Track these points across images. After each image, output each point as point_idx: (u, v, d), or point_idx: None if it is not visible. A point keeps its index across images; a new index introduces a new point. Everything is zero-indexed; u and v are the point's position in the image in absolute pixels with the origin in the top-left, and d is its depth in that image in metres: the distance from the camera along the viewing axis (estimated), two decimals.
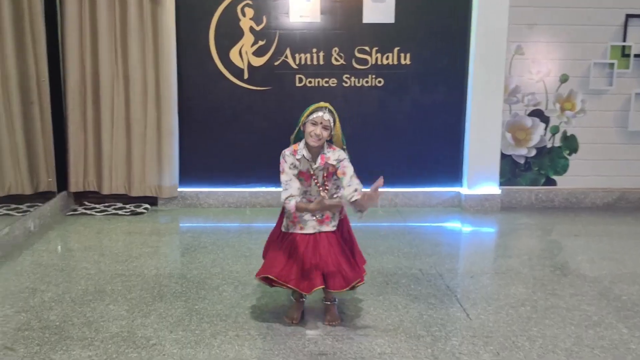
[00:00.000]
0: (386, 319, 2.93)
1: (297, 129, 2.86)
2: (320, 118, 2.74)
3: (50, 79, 4.76)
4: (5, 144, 4.59)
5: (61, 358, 2.52)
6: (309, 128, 2.76)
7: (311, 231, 2.82)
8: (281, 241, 2.87)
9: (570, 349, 2.64)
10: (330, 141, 2.88)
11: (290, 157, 2.82)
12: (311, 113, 2.77)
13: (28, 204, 4.71)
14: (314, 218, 2.81)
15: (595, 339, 2.73)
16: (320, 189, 2.84)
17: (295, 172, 2.82)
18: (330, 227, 2.85)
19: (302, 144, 2.84)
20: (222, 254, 3.93)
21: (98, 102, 5.04)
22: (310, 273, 2.74)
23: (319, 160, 2.82)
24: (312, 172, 2.83)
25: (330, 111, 2.78)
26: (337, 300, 2.96)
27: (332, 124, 2.78)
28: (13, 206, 4.78)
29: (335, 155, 2.82)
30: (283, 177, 2.81)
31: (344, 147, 2.89)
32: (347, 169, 2.78)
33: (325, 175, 2.85)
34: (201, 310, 3.02)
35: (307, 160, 2.82)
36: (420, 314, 3.00)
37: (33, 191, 4.81)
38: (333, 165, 2.82)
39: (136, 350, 2.59)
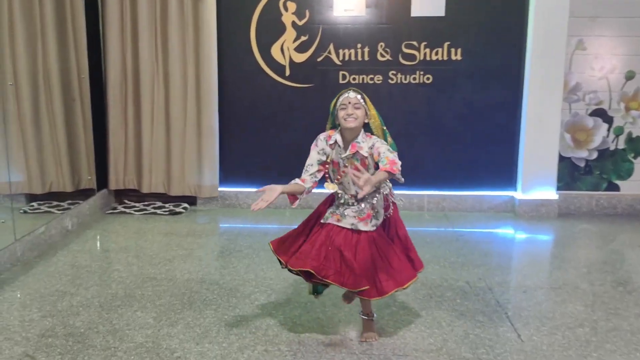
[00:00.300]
0: (428, 338, 2.69)
1: (331, 119, 2.73)
2: (346, 99, 2.60)
3: (91, 75, 4.72)
4: (47, 141, 4.57)
5: None
6: (341, 113, 2.61)
7: (348, 226, 2.59)
8: (318, 232, 2.63)
9: None
10: (368, 130, 2.69)
11: (323, 142, 2.69)
12: (337, 99, 2.64)
13: (69, 202, 4.69)
14: (355, 215, 2.60)
15: None
16: (339, 179, 2.66)
17: (324, 158, 2.67)
18: (369, 226, 2.61)
19: (338, 130, 2.69)
20: (258, 258, 3.77)
21: (138, 99, 4.99)
22: (350, 270, 2.49)
23: (349, 149, 2.63)
24: (340, 161, 2.66)
25: (355, 91, 2.63)
26: (375, 315, 2.74)
27: (363, 102, 2.62)
28: (54, 203, 4.77)
29: (369, 143, 2.62)
30: (307, 160, 2.69)
31: (384, 127, 2.70)
32: (381, 148, 2.57)
33: (349, 166, 2.62)
34: (230, 320, 2.86)
35: (339, 147, 2.65)
36: (466, 332, 2.74)
37: (74, 189, 4.79)
38: (365, 157, 2.61)
39: None
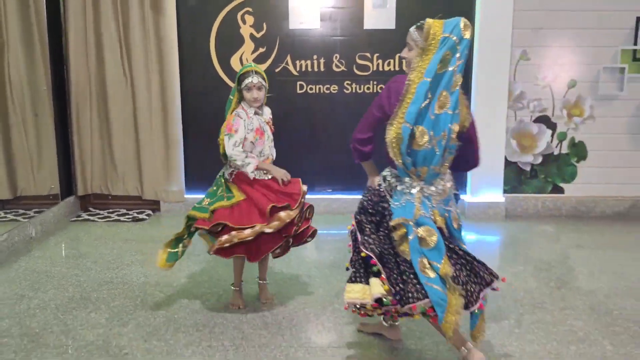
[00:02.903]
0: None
1: (236, 95, 3.09)
2: (251, 84, 2.99)
3: (55, 85, 4.94)
4: (17, 149, 4.83)
5: None
6: (246, 95, 3.02)
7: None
8: None
9: None
10: None
11: (245, 120, 3.03)
12: (241, 81, 3.02)
13: (36, 210, 4.85)
14: None
15: (575, 356, 2.65)
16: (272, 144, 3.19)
17: (251, 135, 3.03)
18: None
19: (244, 105, 3.07)
20: (214, 262, 3.93)
21: (106, 109, 5.17)
22: None
23: (265, 113, 3.17)
24: (263, 128, 3.09)
25: (257, 73, 3.02)
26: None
27: (264, 83, 3.04)
28: (21, 211, 4.91)
29: (268, 111, 3.20)
30: (237, 137, 2.98)
31: None
32: None
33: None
34: (180, 319, 3.03)
35: (258, 114, 3.10)
36: None
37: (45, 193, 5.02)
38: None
39: (108, 359, 2.61)
